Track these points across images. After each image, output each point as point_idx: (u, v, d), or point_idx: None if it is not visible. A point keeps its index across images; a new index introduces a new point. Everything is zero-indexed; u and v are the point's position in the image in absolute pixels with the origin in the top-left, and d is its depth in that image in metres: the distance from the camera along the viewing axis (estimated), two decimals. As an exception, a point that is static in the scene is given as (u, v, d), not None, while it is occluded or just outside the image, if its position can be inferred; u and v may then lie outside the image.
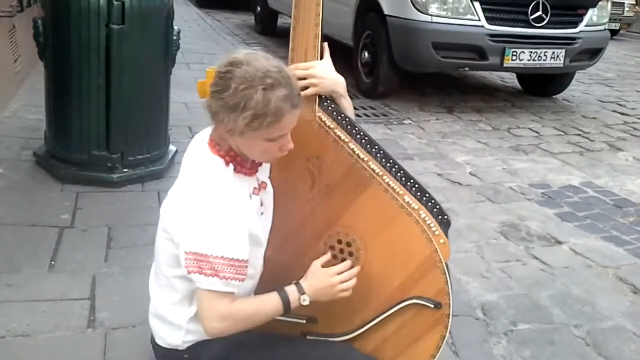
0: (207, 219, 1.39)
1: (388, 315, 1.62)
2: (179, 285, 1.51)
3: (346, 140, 1.60)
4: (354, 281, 1.56)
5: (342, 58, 4.11)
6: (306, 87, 1.61)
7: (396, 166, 1.60)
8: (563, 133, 5.33)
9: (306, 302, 1.50)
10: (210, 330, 1.44)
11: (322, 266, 1.56)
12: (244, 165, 1.48)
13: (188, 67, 6.17)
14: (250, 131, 1.38)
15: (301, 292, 1.50)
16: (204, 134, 1.52)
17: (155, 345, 1.61)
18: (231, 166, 1.46)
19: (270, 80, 1.36)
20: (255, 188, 1.54)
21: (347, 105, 1.68)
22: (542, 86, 6.53)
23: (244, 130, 1.38)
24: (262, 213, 1.57)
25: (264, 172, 1.58)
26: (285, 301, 1.48)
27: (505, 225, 3.37)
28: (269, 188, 1.60)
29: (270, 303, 1.48)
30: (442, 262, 1.56)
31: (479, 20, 5.36)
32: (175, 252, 1.46)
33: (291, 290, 1.50)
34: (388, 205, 1.58)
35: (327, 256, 1.60)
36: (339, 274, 1.54)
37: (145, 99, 3.28)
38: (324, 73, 1.63)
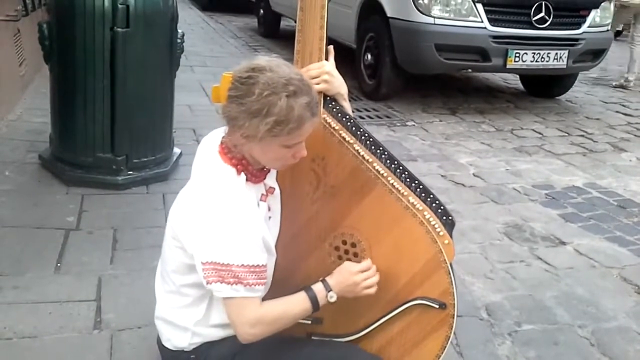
0: (224, 228, 1.39)
1: (393, 316, 1.63)
2: (188, 291, 1.52)
3: (351, 141, 1.61)
4: (377, 278, 1.57)
5: (345, 60, 4.13)
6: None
7: (400, 167, 1.60)
8: (566, 134, 5.33)
9: (333, 299, 1.52)
10: (244, 337, 1.45)
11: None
12: (254, 174, 1.49)
13: (192, 70, 6.19)
14: (270, 137, 1.39)
15: (328, 289, 1.52)
16: (213, 138, 1.53)
17: (162, 347, 1.62)
18: (243, 175, 1.46)
19: (293, 88, 1.37)
20: (262, 195, 1.55)
21: (348, 108, 1.69)
22: (545, 87, 6.52)
23: (264, 137, 1.38)
24: (269, 217, 1.58)
25: (271, 177, 1.58)
26: (314, 299, 1.50)
27: (509, 226, 3.37)
28: (276, 192, 1.60)
29: (298, 302, 1.50)
30: (446, 262, 1.57)
31: (482, 22, 5.36)
32: (187, 261, 1.47)
33: (318, 287, 1.52)
34: (393, 206, 1.58)
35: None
36: (362, 272, 1.56)
37: (149, 101, 3.29)
38: (334, 72, 1.64)
